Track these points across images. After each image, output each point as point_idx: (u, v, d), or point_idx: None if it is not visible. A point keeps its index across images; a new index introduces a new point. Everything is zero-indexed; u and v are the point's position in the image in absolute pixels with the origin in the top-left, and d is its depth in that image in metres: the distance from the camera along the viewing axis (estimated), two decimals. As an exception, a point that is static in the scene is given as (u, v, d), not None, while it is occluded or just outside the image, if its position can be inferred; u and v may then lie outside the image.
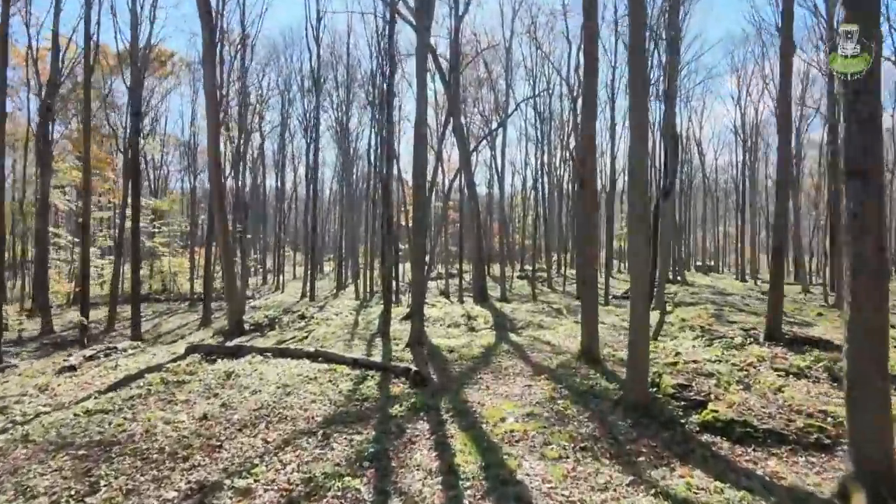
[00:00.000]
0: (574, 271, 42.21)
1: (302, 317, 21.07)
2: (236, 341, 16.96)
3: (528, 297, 34.22)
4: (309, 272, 31.08)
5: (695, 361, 10.71)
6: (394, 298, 30.62)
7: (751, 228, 49.64)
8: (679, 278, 42.81)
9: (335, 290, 43.60)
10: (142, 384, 11.38)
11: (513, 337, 16.94)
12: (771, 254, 14.46)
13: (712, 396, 8.88)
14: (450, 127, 31.99)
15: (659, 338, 14.97)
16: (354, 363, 12.21)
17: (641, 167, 8.90)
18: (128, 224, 28.69)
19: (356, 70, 42.09)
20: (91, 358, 14.42)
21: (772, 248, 14.16)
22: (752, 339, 12.93)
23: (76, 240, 40.06)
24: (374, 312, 22.72)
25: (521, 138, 73.06)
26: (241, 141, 38.50)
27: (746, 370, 10.33)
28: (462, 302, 32.58)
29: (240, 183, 38.46)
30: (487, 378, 11.36)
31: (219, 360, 13.60)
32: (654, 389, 9.46)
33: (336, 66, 41.26)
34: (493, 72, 38.14)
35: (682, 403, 8.82)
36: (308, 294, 36.69)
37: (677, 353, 11.67)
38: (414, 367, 11.09)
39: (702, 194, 55.75)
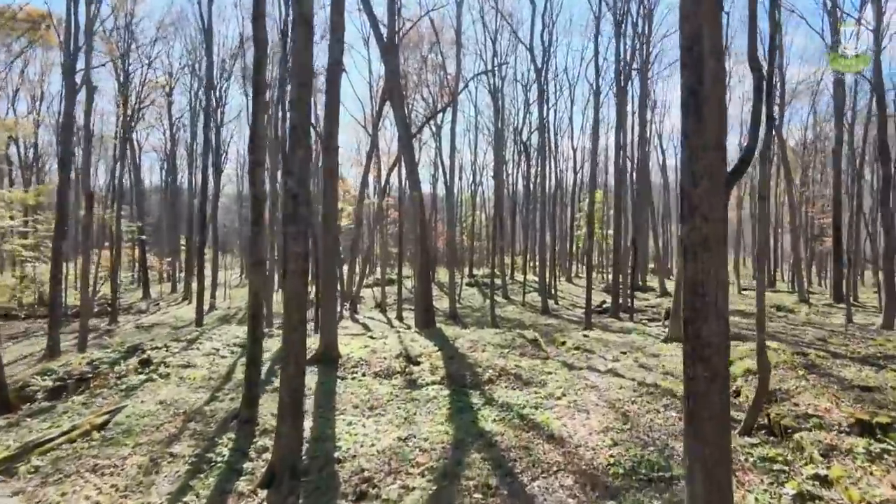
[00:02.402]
0: (536, 278, 35.02)
1: (146, 362, 12.84)
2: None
3: (481, 312, 26.69)
4: (197, 286, 22.39)
5: None
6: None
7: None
8: (642, 283, 36.52)
9: (252, 301, 34.85)
10: None
11: (481, 411, 9.33)
12: None
13: None
14: (388, 110, 24.21)
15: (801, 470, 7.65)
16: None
17: None
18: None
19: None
20: None
21: None
22: None
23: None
24: (271, 349, 14.66)
25: (470, 129, 65.63)
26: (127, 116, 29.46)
27: None
28: (401, 319, 24.77)
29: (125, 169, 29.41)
30: None
31: None
32: None
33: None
34: (441, 43, 30.46)
35: None
36: (210, 311, 28.11)
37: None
38: None
39: (661, 192, 49.97)
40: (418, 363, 13.14)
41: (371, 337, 17.18)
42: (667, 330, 18.41)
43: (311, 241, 25.02)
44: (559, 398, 9.92)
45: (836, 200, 24.82)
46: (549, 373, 11.87)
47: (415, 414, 9.46)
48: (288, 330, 6.09)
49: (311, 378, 11.95)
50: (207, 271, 52.83)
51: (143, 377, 11.93)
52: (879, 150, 17.34)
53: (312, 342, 15.06)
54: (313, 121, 26.48)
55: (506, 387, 11.12)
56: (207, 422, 8.52)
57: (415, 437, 7.81)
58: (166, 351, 14.14)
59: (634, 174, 27.99)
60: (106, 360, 13.18)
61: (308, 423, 8.70)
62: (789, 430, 7.05)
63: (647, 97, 29.03)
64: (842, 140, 24.88)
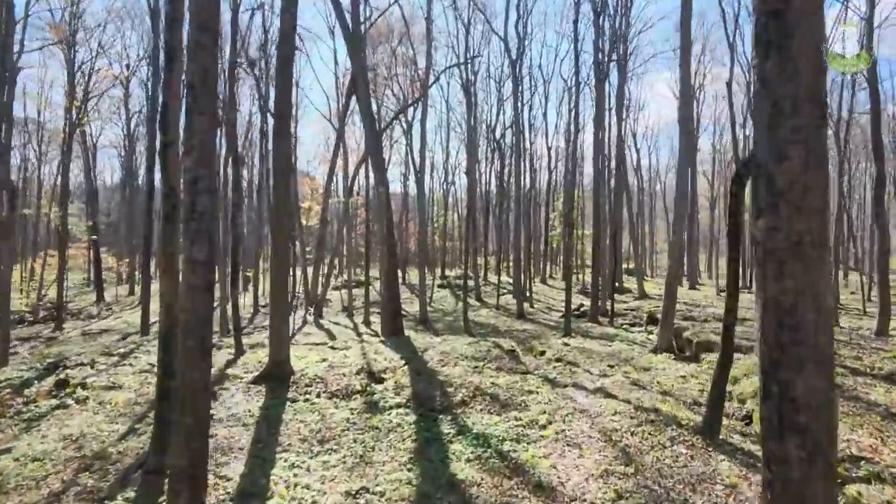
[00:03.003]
0: (510, 279, 33.49)
1: (62, 383, 10.89)
2: None
3: (454, 316, 25.09)
4: (142, 290, 20.16)
5: None
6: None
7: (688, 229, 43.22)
8: (618, 285, 35.26)
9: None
10: None
11: (453, 445, 7.74)
12: None
13: None
14: (356, 104, 22.30)
15: None
16: None
17: None
18: None
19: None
20: None
21: None
22: None
23: None
24: (218, 361, 12.82)
25: (442, 125, 63.73)
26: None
27: None
28: (368, 325, 23.02)
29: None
30: None
31: None
32: None
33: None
34: (412, 35, 28.76)
35: None
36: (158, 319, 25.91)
37: None
38: None
39: (636, 192, 48.94)
40: (382, 380, 11.45)
41: (332, 347, 15.45)
42: (653, 337, 17.05)
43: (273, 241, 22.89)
44: (544, 427, 8.34)
45: (817, 200, 23.84)
46: (531, 392, 10.30)
47: (373, 449, 7.80)
48: (187, 369, 4.34)
49: (256, 401, 10.19)
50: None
51: (55, 403, 9.99)
52: (873, 147, 16.25)
53: (266, 355, 13.24)
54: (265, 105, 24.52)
55: (481, 410, 9.52)
56: (106, 471, 6.67)
57: (368, 490, 6.13)
58: (91, 368, 12.16)
59: (612, 171, 26.66)
60: (16, 380, 11.18)
61: (239, 468, 6.97)
62: (839, 481, 5.58)
63: (623, 94, 27.74)
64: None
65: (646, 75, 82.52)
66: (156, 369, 12.45)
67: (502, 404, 9.70)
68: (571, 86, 36.16)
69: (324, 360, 12.87)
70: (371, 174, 28.44)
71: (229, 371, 12.00)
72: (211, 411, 9.73)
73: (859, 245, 43.47)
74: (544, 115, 52.25)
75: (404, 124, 35.15)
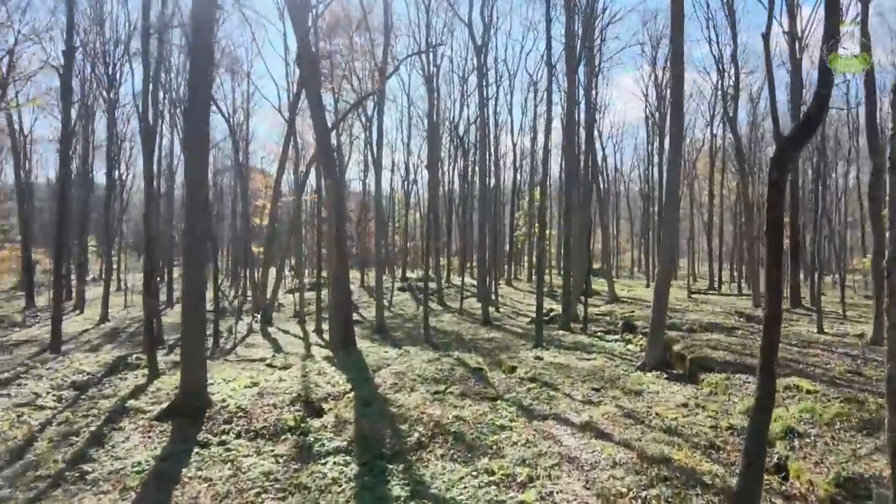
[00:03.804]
0: (475, 281, 31.36)
1: None
2: None
3: (414, 323, 22.84)
4: (54, 302, 16.96)
5: None
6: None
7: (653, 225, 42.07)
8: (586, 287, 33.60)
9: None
10: None
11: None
12: None
13: None
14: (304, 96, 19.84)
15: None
16: None
17: None
18: None
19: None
20: None
21: None
22: None
23: None
24: (118, 393, 10.29)
25: (403, 119, 61.09)
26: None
27: None
28: (320, 333, 20.59)
29: None
30: None
31: None
32: None
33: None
34: (371, 23, 26.36)
35: None
36: (101, 323, 23.19)
37: None
38: None
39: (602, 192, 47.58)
40: (321, 413, 9.23)
41: (270, 365, 13.02)
42: (632, 348, 15.24)
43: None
44: (524, 486, 6.27)
45: (794, 197, 22.58)
46: (503, 428, 8.23)
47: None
48: None
49: (153, 448, 7.76)
50: (117, 276, 46.33)
51: None
52: (868, 138, 14.78)
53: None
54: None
55: (442, 456, 7.40)
56: None
57: None
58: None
59: (581, 167, 24.85)
60: None
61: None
62: None
63: (591, 88, 25.95)
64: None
65: (611, 70, 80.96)
66: (41, 400, 9.89)
67: (468, 446, 7.60)
68: (538, 80, 34.50)
69: (254, 383, 10.51)
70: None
71: (132, 402, 9.50)
72: (90, 466, 7.36)
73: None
74: (510, 111, 50.61)
75: (363, 119, 32.76)
